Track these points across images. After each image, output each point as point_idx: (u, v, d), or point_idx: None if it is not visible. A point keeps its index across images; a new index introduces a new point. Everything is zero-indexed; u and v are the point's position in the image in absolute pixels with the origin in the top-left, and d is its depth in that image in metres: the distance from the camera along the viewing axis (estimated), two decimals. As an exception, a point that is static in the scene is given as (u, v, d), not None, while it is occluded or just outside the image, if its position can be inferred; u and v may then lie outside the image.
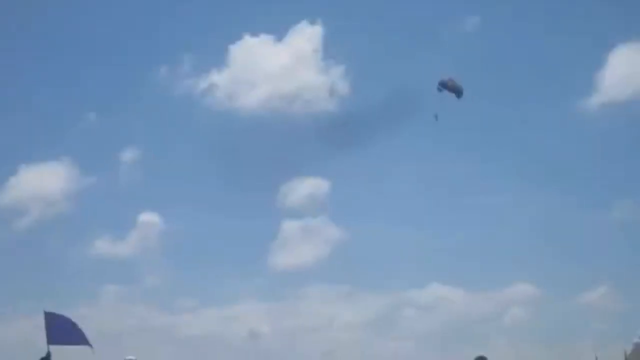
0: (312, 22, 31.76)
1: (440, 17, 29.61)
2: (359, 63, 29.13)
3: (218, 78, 32.15)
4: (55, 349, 15.59)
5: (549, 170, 27.13)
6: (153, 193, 37.33)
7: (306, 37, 29.62)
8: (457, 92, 17.24)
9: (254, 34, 32.15)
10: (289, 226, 30.01)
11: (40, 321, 15.85)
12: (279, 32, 31.25)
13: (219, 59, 34.84)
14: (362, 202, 28.77)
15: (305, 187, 30.13)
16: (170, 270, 34.08)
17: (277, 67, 31.48)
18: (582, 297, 25.48)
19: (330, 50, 29.48)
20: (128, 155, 38.47)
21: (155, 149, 36.87)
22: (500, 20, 27.68)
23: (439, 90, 17.34)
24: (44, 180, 41.07)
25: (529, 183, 26.05)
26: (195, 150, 35.52)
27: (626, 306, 22.82)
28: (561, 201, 26.11)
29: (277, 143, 31.85)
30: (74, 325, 16.02)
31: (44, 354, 15.57)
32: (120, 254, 37.09)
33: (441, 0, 33.73)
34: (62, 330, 15.65)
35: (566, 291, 22.71)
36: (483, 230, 27.01)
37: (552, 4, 29.12)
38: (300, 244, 29.87)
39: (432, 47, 28.56)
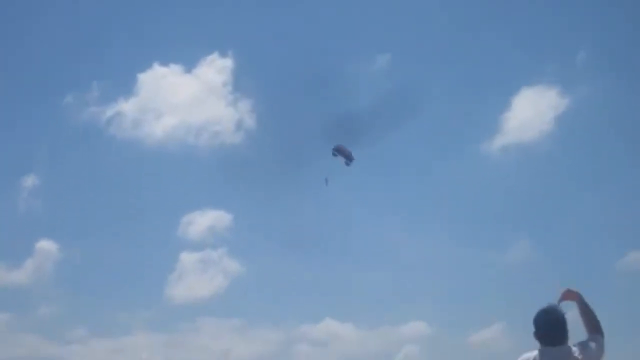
0: (223, 55, 32.03)
1: (351, 55, 30.25)
2: (268, 98, 29.44)
3: (125, 106, 32.04)
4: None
5: (448, 209, 27.90)
6: (52, 221, 36.66)
7: (216, 69, 29.83)
8: (348, 158, 17.91)
9: (164, 63, 32.25)
10: (188, 258, 29.96)
11: None
12: (189, 62, 31.42)
13: (127, 88, 34.72)
14: (262, 236, 28.95)
15: (207, 220, 30.16)
16: (64, 299, 33.52)
17: (185, 98, 31.61)
18: (474, 335, 26.13)
19: (240, 83, 29.76)
20: (28, 182, 37.79)
21: (56, 176, 36.33)
22: (409, 60, 28.48)
23: (334, 155, 17.95)
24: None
25: (428, 221, 26.73)
26: (96, 178, 35.17)
27: (518, 345, 23.64)
28: (457, 241, 26.88)
29: (180, 174, 31.89)
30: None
31: None
32: (14, 281, 36.21)
33: (352, 38, 34.38)
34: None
35: (459, 330, 23.30)
36: (379, 267, 27.51)
37: (460, 46, 30.05)
38: (197, 277, 29.84)
39: (342, 84, 29.08)
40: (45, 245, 34.83)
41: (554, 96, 26.24)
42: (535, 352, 6.81)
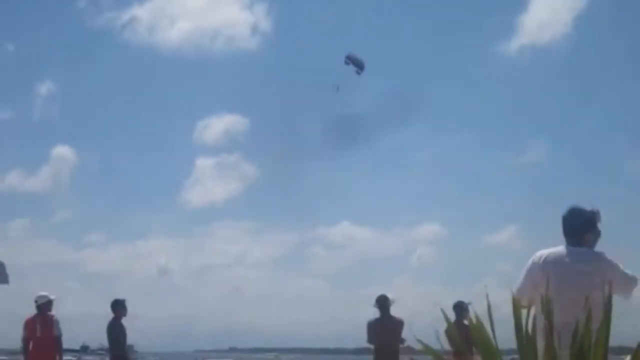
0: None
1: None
2: (284, 2, 29.18)
3: (140, 12, 31.66)
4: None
5: (464, 111, 27.83)
6: (68, 126, 36.65)
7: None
8: (360, 66, 17.58)
9: (179, -33, 31.71)
10: (204, 162, 30.16)
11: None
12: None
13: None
14: (278, 140, 29.07)
15: (222, 124, 30.25)
16: (81, 204, 33.83)
17: (199, 3, 31.34)
18: (488, 237, 26.33)
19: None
20: (44, 88, 37.66)
21: (72, 82, 36.23)
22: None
23: (346, 63, 17.61)
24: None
25: (444, 123, 26.63)
26: (112, 84, 35.02)
27: (531, 247, 23.66)
28: (473, 143, 26.89)
29: (195, 79, 31.87)
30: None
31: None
32: (31, 188, 36.28)
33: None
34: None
35: (473, 232, 23.43)
36: (395, 171, 27.67)
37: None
38: (213, 181, 30.11)
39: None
40: (62, 151, 34.97)
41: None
42: (561, 247, 6.66)
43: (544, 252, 6.48)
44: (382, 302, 13.15)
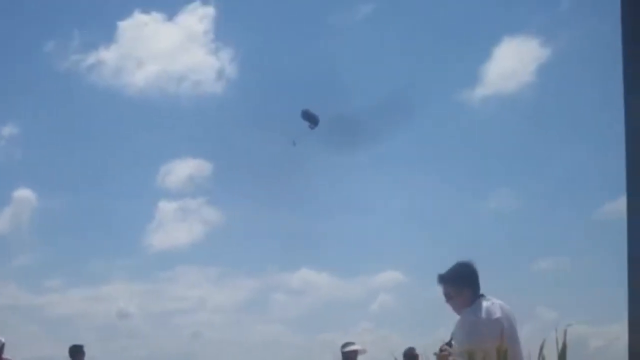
0: (205, 3, 31.67)
1: (333, 5, 29.96)
2: (249, 48, 29.26)
3: (106, 54, 31.68)
4: None
5: (426, 159, 27.90)
6: (30, 169, 36.50)
7: (198, 17, 29.52)
8: (314, 122, 17.70)
9: (145, 11, 31.81)
10: (166, 207, 29.94)
11: None
12: (171, 10, 31.07)
13: (108, 36, 34.20)
14: (241, 185, 28.97)
15: (186, 168, 30.10)
16: (42, 248, 33.46)
17: (166, 46, 31.28)
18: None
19: (221, 32, 29.51)
20: (7, 130, 37.49)
21: (36, 125, 36.04)
22: (392, 9, 28.15)
23: (303, 118, 17.73)
24: None
25: (406, 170, 26.71)
26: (76, 127, 34.97)
27: (493, 293, 23.68)
28: (436, 190, 26.92)
29: (161, 122, 31.73)
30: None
31: None
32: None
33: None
34: None
35: (434, 280, 23.41)
36: (357, 218, 27.60)
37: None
38: (176, 226, 29.85)
39: (324, 36, 28.92)
40: (23, 194, 34.70)
41: (536, 46, 26.11)
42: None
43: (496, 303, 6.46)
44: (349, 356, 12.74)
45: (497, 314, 6.22)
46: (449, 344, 6.33)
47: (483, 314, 6.19)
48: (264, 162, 27.70)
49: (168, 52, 31.39)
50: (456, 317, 6.41)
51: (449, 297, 6.52)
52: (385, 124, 25.20)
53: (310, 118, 17.83)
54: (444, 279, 6.60)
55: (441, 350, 6.31)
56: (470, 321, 6.19)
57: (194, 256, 29.45)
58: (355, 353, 12.59)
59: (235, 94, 29.33)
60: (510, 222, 26.33)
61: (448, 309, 6.62)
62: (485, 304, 6.29)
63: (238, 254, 29.21)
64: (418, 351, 12.45)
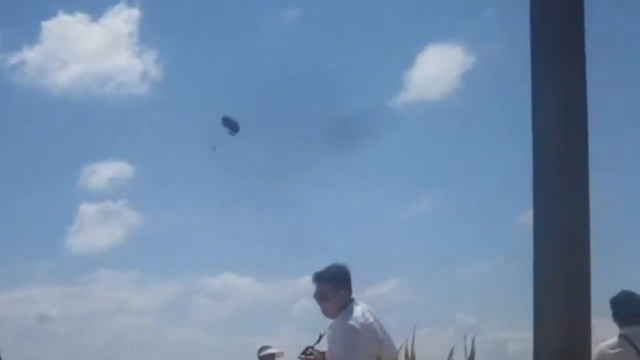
0: (130, 4, 31.38)
1: (260, 10, 29.98)
2: (174, 50, 29.11)
3: (29, 55, 31.13)
4: None
5: (349, 164, 28.12)
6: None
7: (122, 19, 29.23)
8: (234, 129, 17.72)
9: (70, 11, 31.39)
10: (88, 209, 29.55)
11: None
12: (95, 11, 30.72)
13: (31, 36, 33.61)
14: (163, 188, 28.77)
15: (108, 171, 29.75)
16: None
17: (90, 47, 30.91)
18: (370, 289, 26.66)
19: (146, 34, 29.28)
20: None
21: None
22: (318, 14, 28.26)
23: (223, 124, 17.74)
24: None
25: (328, 175, 26.86)
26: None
27: (412, 299, 23.97)
28: (359, 195, 27.13)
29: (84, 124, 31.33)
30: None
31: None
32: None
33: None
34: None
35: (355, 283, 23.56)
36: (278, 221, 27.68)
37: (368, 3, 30.19)
38: (97, 228, 29.49)
39: (250, 39, 28.92)
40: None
41: (460, 53, 26.49)
42: (615, 338, 6.82)
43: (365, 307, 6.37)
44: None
45: (371, 318, 6.18)
46: (311, 347, 6.25)
47: (361, 319, 6.12)
48: (186, 165, 27.55)
49: (92, 53, 31.00)
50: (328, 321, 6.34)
51: (323, 298, 6.35)
52: (310, 127, 25.25)
53: (231, 125, 17.82)
54: (321, 278, 6.40)
55: (306, 352, 6.22)
56: (349, 326, 6.10)
57: (115, 259, 29.14)
58: (272, 356, 12.58)
59: (159, 97, 29.15)
60: (431, 228, 26.68)
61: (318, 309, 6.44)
62: (358, 308, 6.23)
63: (159, 257, 29.00)
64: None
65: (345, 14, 28.57)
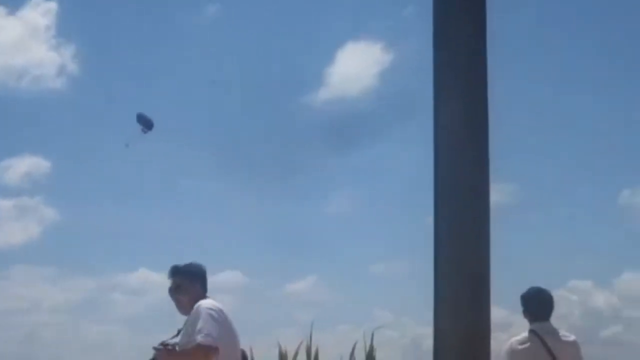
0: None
1: (180, 5, 29.73)
2: (92, 45, 28.69)
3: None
4: None
5: (264, 161, 28.11)
6: None
7: (40, 12, 28.72)
8: (148, 126, 17.58)
9: (-14, 4, 30.74)
10: (2, 204, 28.96)
11: None
12: (12, 4, 30.11)
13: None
14: (80, 184, 28.36)
15: (24, 166, 29.20)
16: None
17: (7, 40, 30.34)
18: (289, 286, 26.68)
19: (64, 28, 28.81)
20: None
21: None
22: (238, 10, 28.16)
23: (138, 121, 17.57)
24: None
25: (243, 171, 26.84)
26: None
27: (330, 296, 24.12)
28: (275, 192, 27.15)
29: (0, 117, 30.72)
30: None
31: None
32: None
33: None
34: None
35: (274, 280, 23.64)
36: (196, 218, 27.56)
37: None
38: (11, 224, 28.92)
39: (169, 35, 28.69)
40: None
41: (378, 51, 26.68)
42: (524, 334, 6.94)
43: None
44: None
45: (220, 306, 6.29)
46: (164, 344, 6.23)
47: (212, 304, 6.23)
48: (102, 161, 27.21)
49: (8, 47, 30.40)
50: (183, 318, 6.39)
51: (179, 290, 6.46)
52: (231, 123, 25.17)
53: (145, 122, 17.66)
54: (178, 271, 6.55)
55: (163, 344, 6.24)
56: (204, 307, 6.17)
57: (30, 255, 28.61)
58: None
59: (76, 91, 28.68)
60: (348, 225, 26.82)
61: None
62: (214, 302, 6.32)
63: (75, 253, 28.55)
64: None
65: (265, 9, 28.56)
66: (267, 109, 25.39)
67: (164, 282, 6.52)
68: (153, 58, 28.90)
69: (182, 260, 6.63)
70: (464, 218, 4.18)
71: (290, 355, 5.51)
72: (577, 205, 22.35)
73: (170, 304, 6.45)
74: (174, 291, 6.48)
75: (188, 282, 6.43)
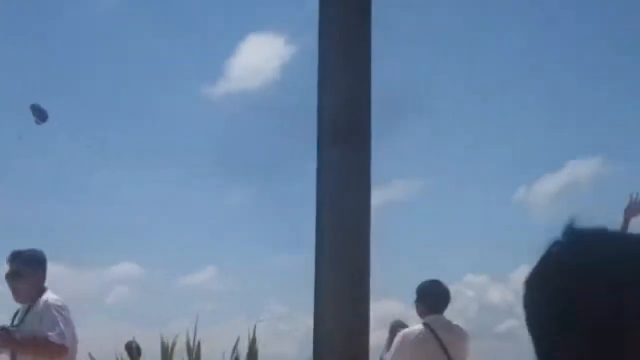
0: None
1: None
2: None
3: None
4: None
5: (167, 152, 27.78)
6: None
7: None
8: (42, 118, 17.20)
9: None
10: None
11: None
12: None
13: None
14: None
15: None
16: None
17: None
18: (187, 278, 26.48)
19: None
20: None
21: None
22: (135, 1, 27.67)
23: (33, 113, 17.16)
24: None
25: (145, 162, 26.47)
26: None
27: (231, 289, 24.07)
28: (175, 183, 26.89)
29: None
30: None
31: None
32: None
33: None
34: None
35: (171, 272, 23.45)
36: (94, 207, 27.17)
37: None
38: None
39: (63, 29, 28.14)
40: None
41: (281, 44, 26.62)
42: (419, 326, 6.97)
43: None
44: None
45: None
46: (4, 328, 6.02)
47: (60, 299, 6.14)
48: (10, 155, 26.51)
49: None
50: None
51: (18, 276, 6.16)
52: (125, 117, 24.86)
53: (39, 113, 17.27)
54: (19, 257, 6.25)
55: (3, 328, 6.08)
56: (58, 304, 6.05)
57: None
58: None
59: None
60: (248, 218, 26.80)
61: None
62: (59, 298, 6.19)
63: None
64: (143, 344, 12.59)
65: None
66: (166, 100, 25.15)
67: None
68: (45, 50, 28.28)
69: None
70: (345, 213, 4.25)
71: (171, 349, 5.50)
72: (474, 204, 22.77)
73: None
74: (12, 278, 6.15)
75: (29, 270, 6.14)
